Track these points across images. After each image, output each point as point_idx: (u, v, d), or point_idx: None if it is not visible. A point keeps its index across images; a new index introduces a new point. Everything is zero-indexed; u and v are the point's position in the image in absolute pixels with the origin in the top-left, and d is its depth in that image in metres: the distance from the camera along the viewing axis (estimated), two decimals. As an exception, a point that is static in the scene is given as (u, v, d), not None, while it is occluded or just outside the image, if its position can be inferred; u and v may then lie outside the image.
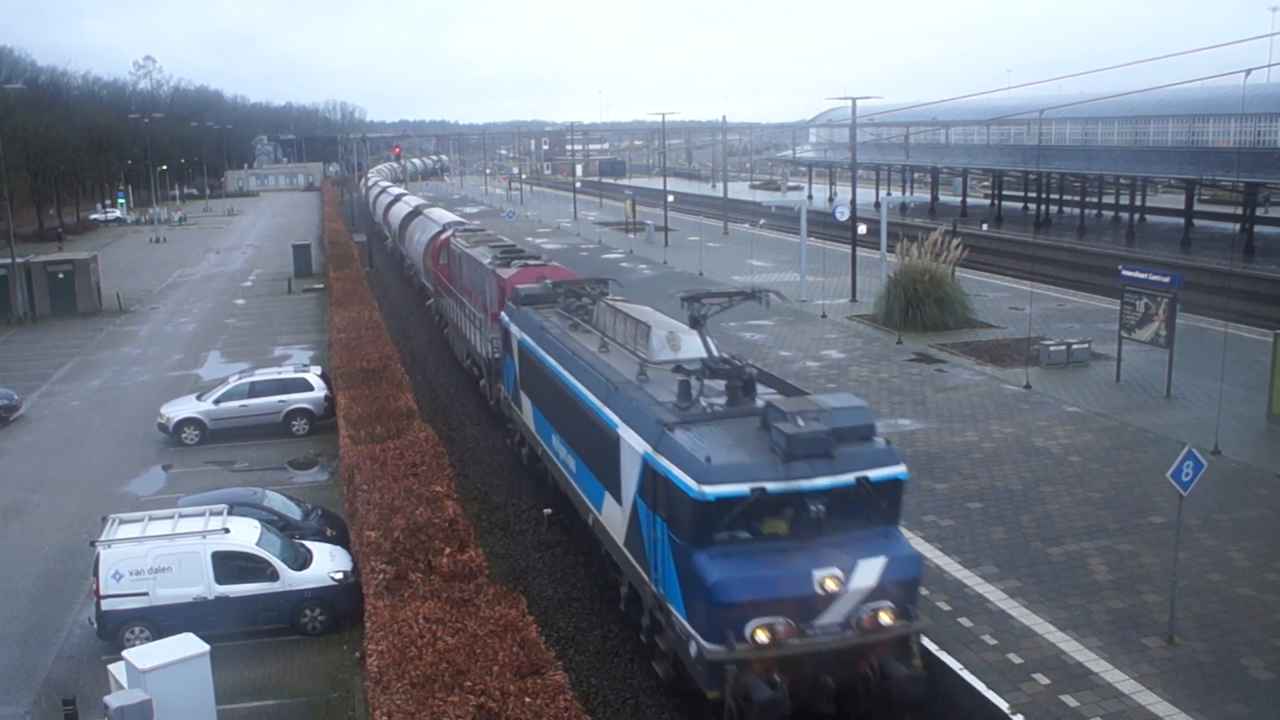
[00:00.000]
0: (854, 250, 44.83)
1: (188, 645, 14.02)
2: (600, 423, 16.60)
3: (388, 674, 12.36)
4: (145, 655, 13.74)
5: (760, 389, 15.79)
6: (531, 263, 30.10)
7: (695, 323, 16.96)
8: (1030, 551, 18.14)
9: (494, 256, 31.14)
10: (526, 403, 23.15)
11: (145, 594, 16.87)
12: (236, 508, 19.16)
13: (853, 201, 45.70)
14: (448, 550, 15.72)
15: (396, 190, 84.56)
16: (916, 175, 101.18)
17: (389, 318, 42.35)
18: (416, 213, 58.37)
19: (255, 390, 28.96)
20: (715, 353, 16.27)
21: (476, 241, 36.30)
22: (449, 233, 41.69)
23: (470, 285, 33.04)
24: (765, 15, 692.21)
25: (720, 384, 15.49)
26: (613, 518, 16.53)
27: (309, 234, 78.18)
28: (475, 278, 32.13)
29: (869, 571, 13.14)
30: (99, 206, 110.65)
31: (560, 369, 19.53)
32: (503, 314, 25.38)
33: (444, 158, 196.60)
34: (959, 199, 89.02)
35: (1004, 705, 13.51)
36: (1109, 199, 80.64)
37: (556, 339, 20.77)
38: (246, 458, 27.02)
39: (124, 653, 14.04)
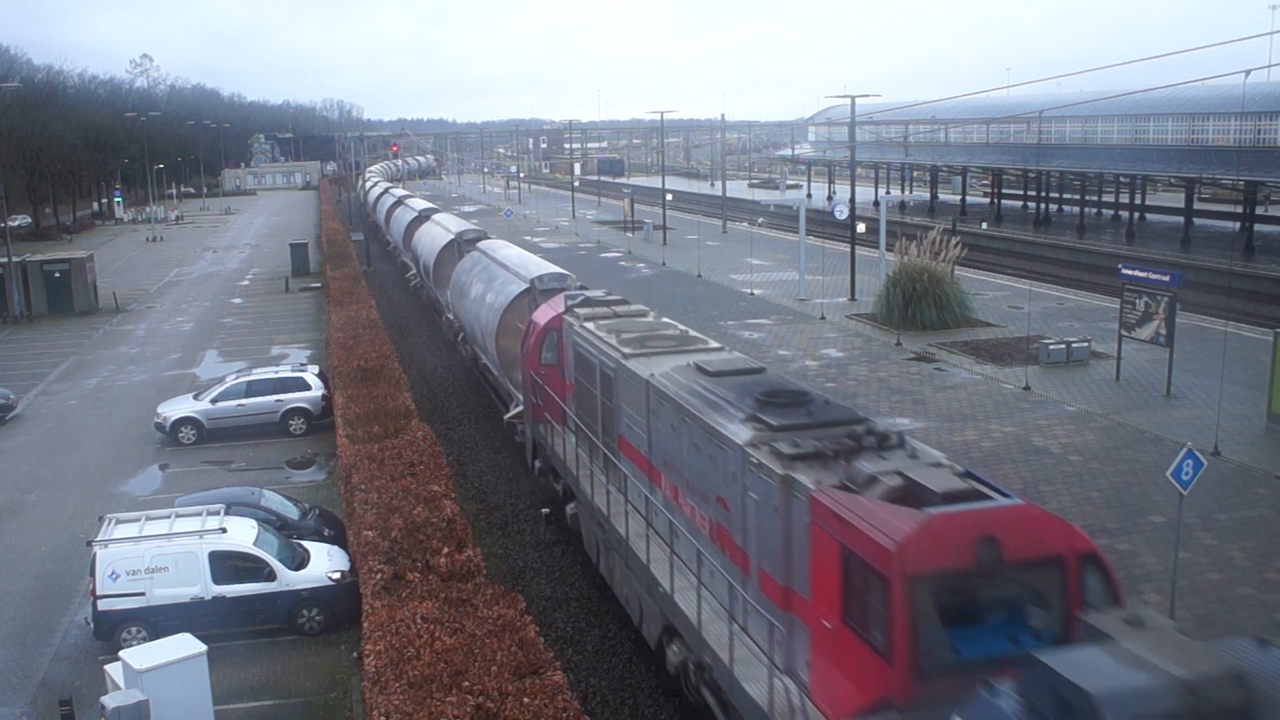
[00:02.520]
0: (853, 249, 44.80)
1: (185, 645, 13.94)
2: None
3: (385, 674, 12.30)
4: (142, 655, 13.67)
5: None
6: (929, 482, 10.67)
7: None
8: (1030, 551, 18.07)
9: (756, 418, 12.80)
10: None
11: (142, 594, 16.79)
12: (234, 507, 19.08)
13: (851, 200, 45.69)
14: (445, 550, 15.65)
15: (419, 203, 60.82)
16: (916, 174, 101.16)
17: (386, 317, 42.26)
18: (465, 244, 39.13)
19: (252, 390, 28.86)
20: None
21: (647, 340, 17.87)
22: (557, 303, 22.50)
23: (660, 453, 15.50)
24: (773, 11, 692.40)
25: None
26: None
27: (306, 233, 78.10)
28: (687, 450, 14.26)
29: None
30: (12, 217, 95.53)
31: None
32: None
33: (430, 157, 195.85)
34: (958, 197, 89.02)
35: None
36: (1109, 197, 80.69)
37: None
38: (244, 457, 26.94)
39: (121, 653, 13.96)
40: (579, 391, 19.88)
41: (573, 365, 20.25)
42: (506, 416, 26.41)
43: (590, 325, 19.56)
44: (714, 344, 18.06)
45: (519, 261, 30.77)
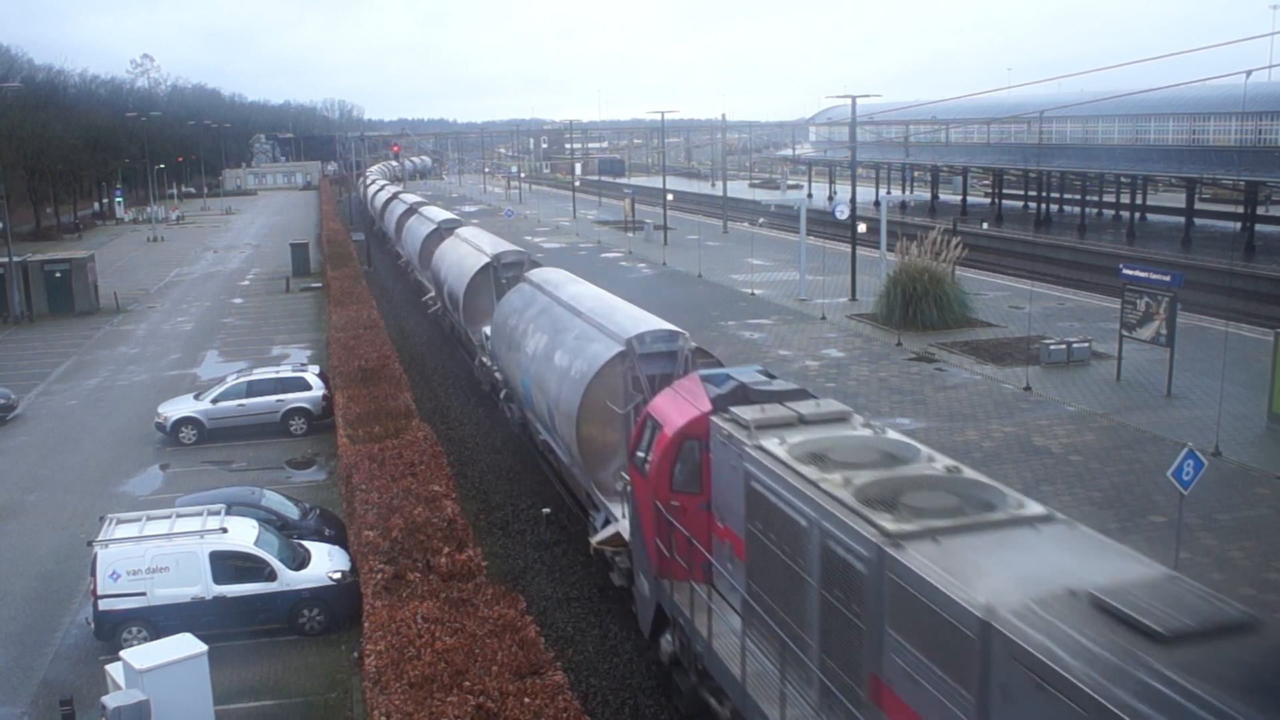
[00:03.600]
0: (853, 249, 44.79)
1: (185, 645, 13.94)
2: None
3: (386, 674, 12.30)
4: (143, 655, 13.66)
5: None
6: None
7: None
8: (1031, 551, 18.04)
9: None
10: None
11: (143, 594, 16.80)
12: (234, 507, 19.08)
13: (852, 200, 45.67)
14: (446, 550, 15.65)
15: (437, 213, 51.64)
16: (916, 174, 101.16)
17: (387, 317, 42.28)
18: (504, 269, 32.63)
19: (253, 389, 28.86)
20: None
21: (905, 492, 10.19)
22: (692, 392, 14.48)
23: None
24: (773, 11, 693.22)
25: None
26: None
27: (307, 233, 78.12)
28: None
29: None
30: None
31: None
32: None
33: (426, 158, 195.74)
34: (959, 197, 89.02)
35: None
36: (1109, 197, 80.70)
37: None
38: (244, 457, 26.94)
39: (121, 653, 13.96)
40: (758, 558, 12.18)
41: (742, 509, 12.47)
42: (594, 540, 17.81)
43: (775, 448, 11.83)
44: (1035, 506, 9.81)
45: (598, 306, 21.36)
